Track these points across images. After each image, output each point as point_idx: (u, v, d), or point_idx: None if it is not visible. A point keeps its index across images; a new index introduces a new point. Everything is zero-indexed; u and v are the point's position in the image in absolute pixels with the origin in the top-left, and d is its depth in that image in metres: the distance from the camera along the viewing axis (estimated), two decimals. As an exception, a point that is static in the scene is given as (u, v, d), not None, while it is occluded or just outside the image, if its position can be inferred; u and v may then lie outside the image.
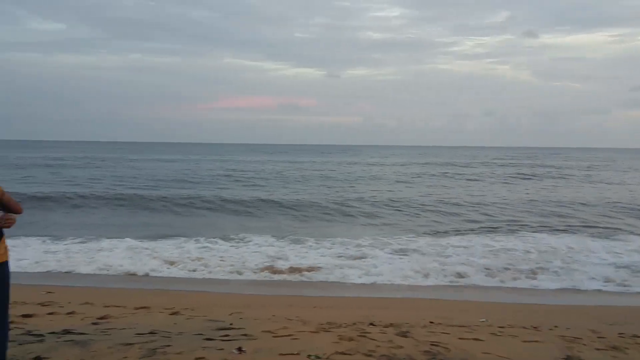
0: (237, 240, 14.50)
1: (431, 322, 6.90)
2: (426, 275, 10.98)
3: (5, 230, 3.72)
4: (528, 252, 13.27)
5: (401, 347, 5.44)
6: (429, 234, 16.60)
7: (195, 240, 14.25)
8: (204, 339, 5.52)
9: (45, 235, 14.38)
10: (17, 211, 3.74)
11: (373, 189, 30.61)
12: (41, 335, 5.40)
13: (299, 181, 35.75)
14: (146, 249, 13.12)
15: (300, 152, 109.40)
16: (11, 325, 4.12)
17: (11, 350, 4.36)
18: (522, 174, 44.05)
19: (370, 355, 5.11)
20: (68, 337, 5.49)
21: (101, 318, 6.86)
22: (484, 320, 7.25)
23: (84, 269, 11.28)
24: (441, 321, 7.02)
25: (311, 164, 58.65)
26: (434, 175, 43.32)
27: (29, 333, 5.62)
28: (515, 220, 19.14)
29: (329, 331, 6.10)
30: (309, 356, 5.02)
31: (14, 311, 5.20)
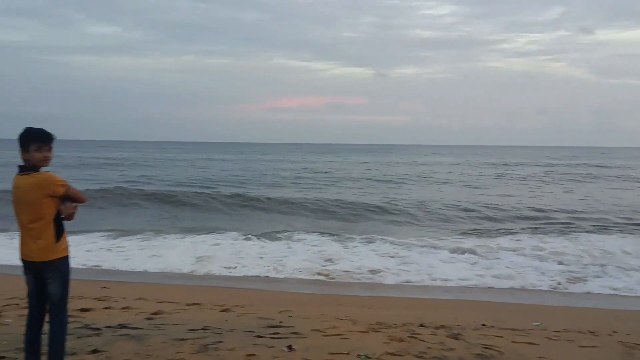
0: (285, 239, 14.59)
1: (483, 325, 6.76)
2: (475, 277, 10.77)
3: (67, 225, 3.85)
4: (582, 254, 12.83)
5: (453, 349, 5.35)
6: (480, 234, 16.29)
7: (245, 238, 14.45)
8: (255, 336, 5.56)
9: (104, 231, 14.87)
10: (82, 200, 3.85)
11: (422, 189, 30.31)
12: (98, 329, 5.56)
13: (348, 180, 35.74)
14: (195, 243, 13.38)
15: (347, 151, 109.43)
16: (70, 319, 4.24)
17: (70, 343, 4.50)
18: (578, 174, 42.73)
19: (421, 357, 5.04)
20: (123, 331, 5.63)
21: (155, 313, 7.01)
22: (538, 323, 7.05)
23: (140, 266, 11.56)
24: (493, 324, 6.87)
25: (359, 164, 58.55)
26: (481, 174, 42.52)
27: (86, 327, 5.80)
28: (569, 223, 18.58)
29: (378, 331, 6.05)
30: (359, 356, 4.99)
31: (72, 305, 5.35)
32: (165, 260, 11.93)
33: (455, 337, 5.86)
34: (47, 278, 3.77)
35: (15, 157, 3.81)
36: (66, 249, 3.84)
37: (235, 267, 11.55)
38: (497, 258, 12.31)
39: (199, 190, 26.88)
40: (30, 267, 3.78)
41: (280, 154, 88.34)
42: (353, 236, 15.02)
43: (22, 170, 3.74)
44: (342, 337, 5.75)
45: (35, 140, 3.72)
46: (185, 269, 11.39)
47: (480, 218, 20.06)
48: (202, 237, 14.74)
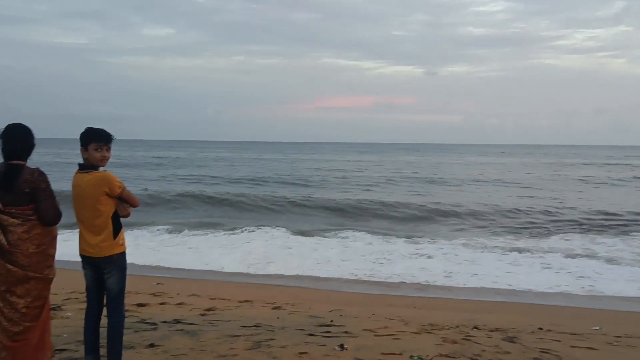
0: (336, 239, 14.63)
1: (540, 329, 6.58)
2: (530, 279, 10.50)
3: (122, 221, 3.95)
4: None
5: (508, 352, 5.22)
6: (532, 235, 15.92)
7: (295, 236, 14.59)
8: (306, 334, 5.58)
9: (158, 226, 15.30)
10: (135, 204, 3.95)
11: (475, 188, 29.79)
12: (154, 323, 5.69)
13: (402, 180, 35.43)
14: (245, 241, 13.57)
15: (397, 151, 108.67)
16: (127, 314, 4.35)
17: (128, 336, 4.62)
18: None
19: (475, 360, 4.94)
20: (179, 326, 5.74)
21: (208, 310, 7.13)
22: (597, 328, 6.81)
23: (192, 263, 11.81)
24: (550, 327, 6.67)
25: (408, 163, 58.04)
26: (536, 173, 41.43)
27: (143, 321, 5.94)
28: (625, 224, 17.90)
29: (431, 333, 5.97)
30: (411, 357, 4.93)
31: (129, 300, 5.49)
32: (216, 258, 12.15)
33: (511, 340, 5.72)
34: (105, 273, 3.87)
35: (78, 156, 3.93)
36: (123, 244, 3.94)
37: (286, 266, 11.65)
38: (551, 260, 11.98)
39: (249, 189, 27.24)
40: (89, 262, 3.89)
41: (331, 153, 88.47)
42: (402, 237, 14.93)
43: (82, 168, 3.86)
44: (394, 337, 5.69)
45: (94, 140, 3.83)
46: (236, 268, 11.55)
47: (536, 218, 19.55)
48: (252, 234, 14.96)
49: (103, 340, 3.97)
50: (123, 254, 3.93)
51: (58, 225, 3.78)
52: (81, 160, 3.89)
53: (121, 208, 3.88)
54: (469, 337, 5.73)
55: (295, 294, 9.40)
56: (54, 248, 3.78)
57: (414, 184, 33.48)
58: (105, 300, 3.97)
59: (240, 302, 8.18)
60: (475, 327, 6.44)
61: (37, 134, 3.81)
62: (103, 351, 3.97)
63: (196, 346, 4.93)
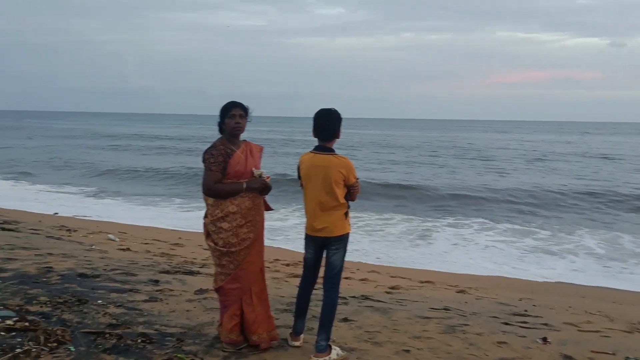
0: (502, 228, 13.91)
1: None
2: None
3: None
4: None
5: None
6: None
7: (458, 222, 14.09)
8: (501, 323, 5.26)
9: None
10: (352, 199, 3.98)
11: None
12: (345, 298, 5.74)
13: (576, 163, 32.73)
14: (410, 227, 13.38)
15: (580, 129, 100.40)
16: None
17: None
18: None
19: None
20: (367, 302, 5.74)
21: (392, 288, 7.09)
22: None
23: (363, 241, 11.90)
24: None
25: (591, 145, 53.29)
26: None
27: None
28: None
29: (646, 333, 5.32)
30: (627, 358, 4.41)
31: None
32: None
33: None
34: (331, 250, 3.96)
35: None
36: (350, 225, 4.02)
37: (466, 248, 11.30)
38: None
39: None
40: (315, 240, 4.01)
41: (513, 133, 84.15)
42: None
43: (320, 149, 3.93)
44: (601, 334, 5.17)
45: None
46: (405, 247, 11.45)
47: None
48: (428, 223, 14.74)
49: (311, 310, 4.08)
50: (348, 234, 4.01)
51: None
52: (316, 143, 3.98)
53: (351, 193, 3.96)
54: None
55: (476, 278, 9.06)
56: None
57: (598, 168, 30.62)
58: (319, 276, 4.08)
59: (422, 282, 8.05)
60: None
61: (212, 112, 3.99)
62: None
63: (388, 324, 4.87)
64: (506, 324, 5.26)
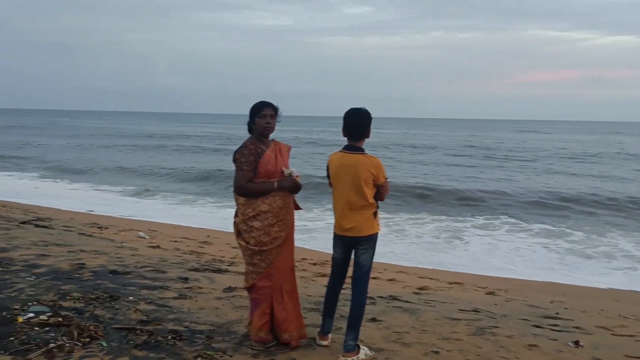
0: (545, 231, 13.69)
1: None
2: None
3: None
4: None
5: None
6: None
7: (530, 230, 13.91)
8: (532, 326, 5.19)
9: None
10: (381, 199, 3.97)
11: None
12: (372, 298, 5.71)
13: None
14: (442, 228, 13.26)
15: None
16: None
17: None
18: None
19: None
20: (395, 303, 5.71)
21: (420, 288, 7.04)
22: None
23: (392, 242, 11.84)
24: None
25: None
26: None
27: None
28: None
29: (683, 339, 5.18)
30: (662, 364, 4.31)
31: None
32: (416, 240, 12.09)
33: None
34: (360, 249, 3.96)
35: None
36: (379, 225, 4.01)
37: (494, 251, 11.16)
38: None
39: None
40: (343, 239, 4.00)
41: (543, 132, 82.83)
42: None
43: (349, 149, 3.93)
44: (636, 338, 5.06)
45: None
46: (440, 248, 11.35)
47: None
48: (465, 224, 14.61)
49: (339, 310, 4.08)
50: (377, 234, 4.00)
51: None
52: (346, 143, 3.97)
53: (380, 193, 3.96)
54: None
55: (506, 280, 8.94)
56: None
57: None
58: (353, 275, 4.05)
59: (450, 283, 7.98)
60: None
61: (243, 111, 4.00)
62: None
63: (417, 325, 4.84)
64: (537, 326, 5.19)
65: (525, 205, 17.37)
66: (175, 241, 9.63)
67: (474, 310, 5.66)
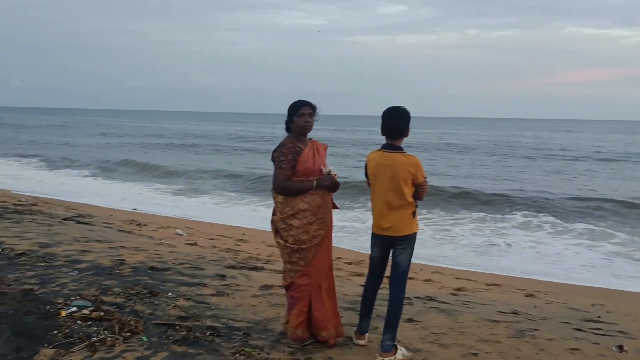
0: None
1: None
2: None
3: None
4: None
5: None
6: None
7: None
8: (573, 329, 5.07)
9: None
10: (419, 198, 3.93)
11: None
12: (409, 298, 5.66)
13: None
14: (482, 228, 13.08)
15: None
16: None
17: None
18: None
19: None
20: (432, 304, 5.66)
21: (458, 289, 6.96)
22: None
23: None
24: None
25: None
26: None
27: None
28: None
29: None
30: None
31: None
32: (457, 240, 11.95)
33: None
34: (398, 249, 3.93)
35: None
36: (417, 225, 3.97)
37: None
38: None
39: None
40: (382, 239, 3.98)
41: (583, 132, 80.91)
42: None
43: (388, 148, 3.90)
44: (682, 345, 4.89)
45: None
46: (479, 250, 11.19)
47: None
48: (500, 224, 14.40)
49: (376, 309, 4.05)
50: (416, 233, 3.97)
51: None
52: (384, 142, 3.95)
53: (419, 192, 3.93)
54: None
55: (544, 282, 8.75)
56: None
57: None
58: (390, 275, 4.03)
59: (488, 285, 7.85)
60: None
61: (276, 110, 3.98)
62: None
63: (455, 326, 4.79)
64: (578, 330, 5.07)
65: (567, 206, 16.97)
66: (211, 239, 9.74)
67: (513, 313, 5.57)
